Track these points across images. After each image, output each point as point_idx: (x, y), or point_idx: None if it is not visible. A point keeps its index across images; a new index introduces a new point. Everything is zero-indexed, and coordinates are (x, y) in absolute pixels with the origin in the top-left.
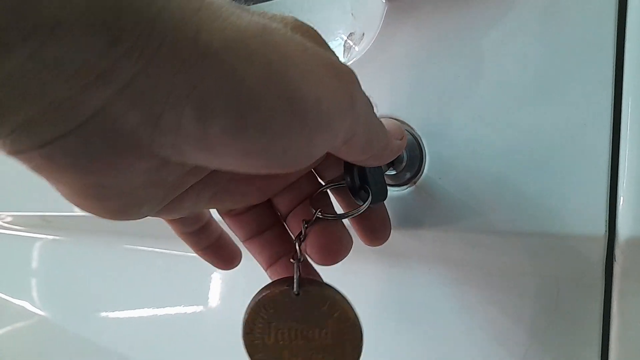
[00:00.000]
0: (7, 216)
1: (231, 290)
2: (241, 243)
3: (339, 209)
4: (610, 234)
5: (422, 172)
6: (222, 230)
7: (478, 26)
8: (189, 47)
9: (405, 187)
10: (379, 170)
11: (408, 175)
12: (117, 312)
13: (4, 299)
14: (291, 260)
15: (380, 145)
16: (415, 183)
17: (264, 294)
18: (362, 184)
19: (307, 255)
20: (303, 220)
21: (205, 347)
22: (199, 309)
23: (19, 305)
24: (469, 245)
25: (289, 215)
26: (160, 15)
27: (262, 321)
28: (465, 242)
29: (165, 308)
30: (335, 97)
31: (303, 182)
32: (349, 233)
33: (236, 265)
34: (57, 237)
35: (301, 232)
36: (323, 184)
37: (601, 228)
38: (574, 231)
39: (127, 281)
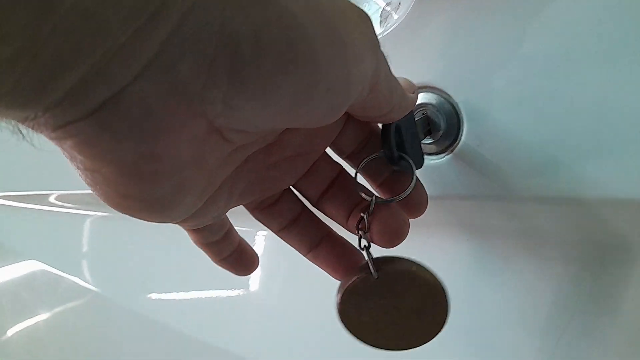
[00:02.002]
0: (53, 195)
1: (280, 265)
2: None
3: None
4: None
5: (460, 140)
6: (240, 237)
7: None
8: None
9: (442, 155)
10: (417, 139)
11: (446, 143)
12: (167, 287)
13: (58, 275)
14: (360, 248)
15: (399, 95)
16: (452, 151)
17: (346, 286)
18: (402, 152)
19: (367, 239)
20: (362, 208)
21: (253, 323)
22: (243, 283)
23: (72, 281)
24: (508, 213)
25: (320, 200)
26: None
27: (353, 307)
28: (503, 210)
29: (214, 284)
30: (364, 35)
31: (322, 165)
32: (402, 211)
33: (254, 270)
34: (105, 214)
35: (362, 218)
36: (340, 164)
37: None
38: (616, 196)
39: (176, 257)
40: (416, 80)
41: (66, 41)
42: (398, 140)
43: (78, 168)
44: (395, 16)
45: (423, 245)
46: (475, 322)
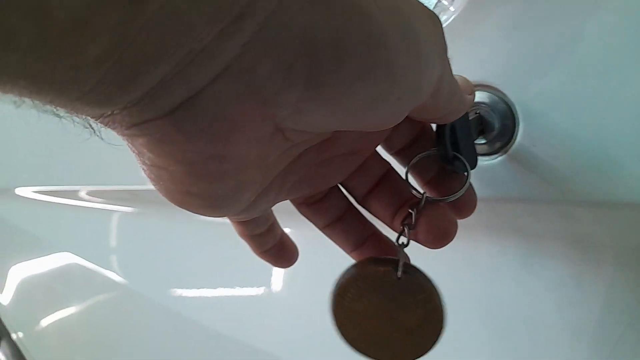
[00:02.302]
0: (84, 190)
1: (303, 256)
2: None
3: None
4: None
5: (515, 141)
6: (282, 231)
7: None
8: None
9: (495, 156)
10: (471, 139)
11: (499, 144)
12: (194, 283)
13: (90, 268)
14: (397, 243)
15: (457, 99)
16: (506, 152)
17: (367, 268)
18: (455, 152)
19: (408, 237)
20: (410, 206)
21: (276, 320)
22: (269, 280)
23: (103, 274)
24: (562, 217)
25: (366, 197)
26: None
27: (355, 290)
28: (556, 213)
29: (239, 281)
30: (435, 40)
31: (371, 162)
32: (451, 211)
33: (294, 263)
34: (135, 210)
35: (408, 215)
36: (388, 162)
37: None
38: None
39: (203, 254)
40: (470, 77)
41: (152, 41)
42: (452, 140)
43: (144, 164)
44: (452, 9)
45: (470, 247)
46: (524, 328)
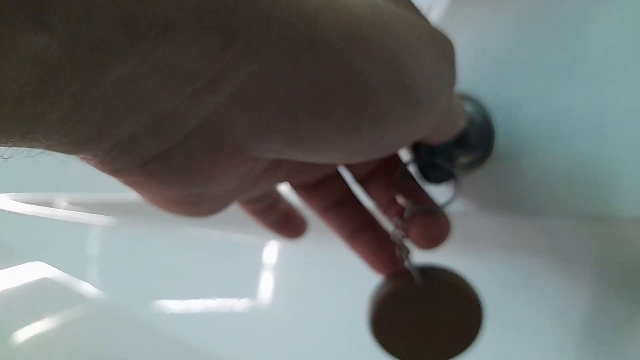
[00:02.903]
0: (61, 198)
1: (289, 270)
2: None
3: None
4: None
5: (492, 153)
6: (289, 204)
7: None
8: (307, 41)
9: (474, 168)
10: (451, 151)
11: (477, 156)
12: (175, 295)
13: (66, 279)
14: (399, 243)
15: (456, 120)
16: (483, 165)
17: (386, 289)
18: (433, 162)
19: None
20: (398, 215)
21: (259, 331)
22: (254, 294)
23: (80, 286)
24: (539, 231)
25: (366, 178)
26: (276, 7)
27: (389, 315)
28: (535, 227)
29: (223, 292)
30: (441, 76)
31: None
32: (445, 214)
33: (303, 234)
34: (115, 220)
35: (399, 223)
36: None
37: None
38: None
39: (186, 265)
40: None
41: (115, 105)
42: (430, 153)
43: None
44: None
45: (447, 260)
46: (502, 340)
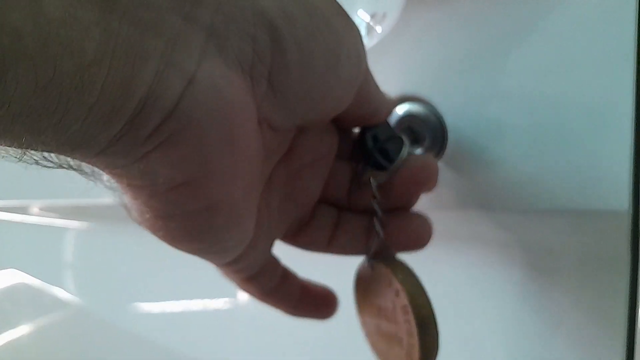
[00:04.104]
0: (36, 205)
1: None
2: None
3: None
4: (635, 209)
5: (444, 151)
6: (301, 279)
7: (499, 4)
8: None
9: None
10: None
11: (431, 154)
12: (153, 299)
13: (40, 286)
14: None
15: (380, 101)
16: (438, 161)
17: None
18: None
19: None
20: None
21: (239, 332)
22: (232, 295)
23: (55, 292)
24: (492, 224)
25: (348, 199)
26: None
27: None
28: (487, 220)
29: (201, 295)
30: (350, 32)
31: (339, 168)
32: (424, 216)
33: (334, 310)
34: (89, 224)
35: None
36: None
37: (625, 203)
38: (598, 207)
39: (162, 268)
40: (400, 91)
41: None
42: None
43: (144, 217)
44: (379, 29)
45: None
46: (464, 329)
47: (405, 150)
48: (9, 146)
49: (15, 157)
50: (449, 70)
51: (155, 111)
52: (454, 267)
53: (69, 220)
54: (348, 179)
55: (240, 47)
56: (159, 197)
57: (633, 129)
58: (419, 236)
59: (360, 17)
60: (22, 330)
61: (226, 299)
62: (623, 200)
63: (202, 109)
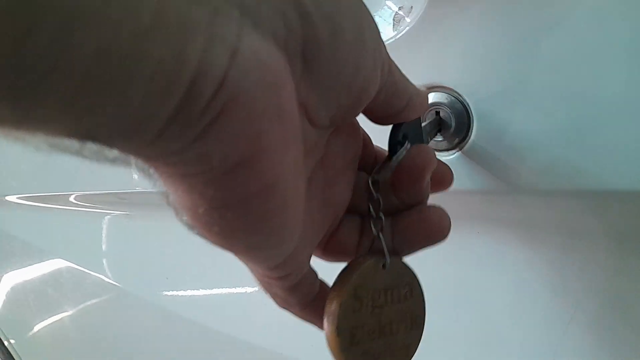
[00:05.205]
0: (73, 195)
1: None
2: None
3: None
4: None
5: (470, 137)
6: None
7: None
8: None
9: (452, 152)
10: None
11: (456, 140)
12: (186, 283)
13: (82, 272)
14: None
15: (413, 87)
16: (462, 148)
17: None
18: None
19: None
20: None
21: (266, 312)
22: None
23: (95, 278)
24: (516, 206)
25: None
26: None
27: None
28: (511, 203)
29: (230, 280)
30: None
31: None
32: (440, 207)
33: None
34: (124, 213)
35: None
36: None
37: None
38: (618, 188)
39: (193, 254)
40: (428, 80)
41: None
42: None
43: (202, 208)
44: (408, 19)
45: None
46: (475, 310)
47: (402, 149)
48: (64, 134)
49: (71, 151)
50: (474, 59)
51: (207, 83)
52: (474, 246)
53: (107, 210)
54: (366, 184)
55: (272, 23)
56: (215, 184)
57: None
58: (439, 227)
59: (390, 8)
60: (65, 314)
61: (254, 285)
62: None
63: (249, 80)
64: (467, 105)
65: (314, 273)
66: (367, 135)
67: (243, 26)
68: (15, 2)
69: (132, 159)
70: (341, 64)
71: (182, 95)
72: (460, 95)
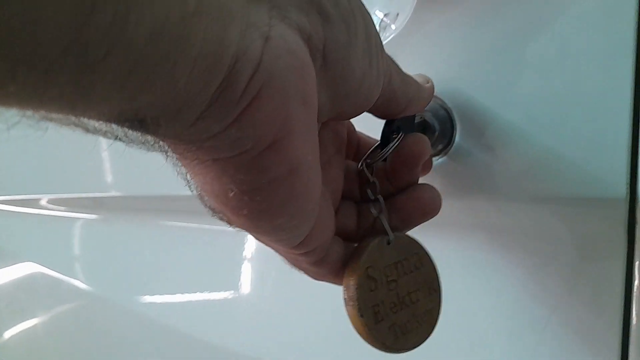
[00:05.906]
0: (45, 198)
1: (271, 266)
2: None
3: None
4: (632, 197)
5: (453, 143)
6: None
7: (505, 4)
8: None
9: (436, 157)
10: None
11: (440, 146)
12: (161, 288)
13: (54, 277)
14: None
15: (414, 87)
16: (446, 154)
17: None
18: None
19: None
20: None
21: (247, 321)
22: (239, 287)
23: (68, 283)
24: (494, 212)
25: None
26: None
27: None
28: (489, 208)
29: (207, 285)
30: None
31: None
32: (431, 185)
33: None
34: (97, 217)
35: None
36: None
37: (622, 191)
38: (595, 194)
39: (169, 259)
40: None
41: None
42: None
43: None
44: (393, 27)
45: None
46: (465, 313)
47: (397, 140)
48: (114, 115)
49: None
50: (458, 67)
51: (245, 65)
52: (457, 252)
53: (80, 213)
54: (357, 174)
55: (298, 19)
56: (247, 167)
57: (630, 121)
58: (432, 203)
59: (377, 16)
60: (37, 320)
61: (232, 289)
62: (621, 188)
63: (281, 64)
64: (450, 111)
65: (340, 242)
66: (350, 122)
67: (272, 17)
68: None
69: (168, 146)
70: (351, 69)
71: (224, 75)
72: (443, 101)
